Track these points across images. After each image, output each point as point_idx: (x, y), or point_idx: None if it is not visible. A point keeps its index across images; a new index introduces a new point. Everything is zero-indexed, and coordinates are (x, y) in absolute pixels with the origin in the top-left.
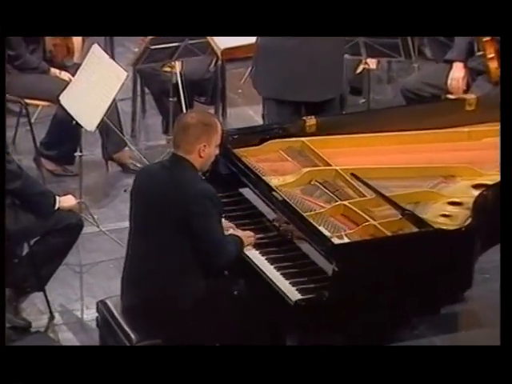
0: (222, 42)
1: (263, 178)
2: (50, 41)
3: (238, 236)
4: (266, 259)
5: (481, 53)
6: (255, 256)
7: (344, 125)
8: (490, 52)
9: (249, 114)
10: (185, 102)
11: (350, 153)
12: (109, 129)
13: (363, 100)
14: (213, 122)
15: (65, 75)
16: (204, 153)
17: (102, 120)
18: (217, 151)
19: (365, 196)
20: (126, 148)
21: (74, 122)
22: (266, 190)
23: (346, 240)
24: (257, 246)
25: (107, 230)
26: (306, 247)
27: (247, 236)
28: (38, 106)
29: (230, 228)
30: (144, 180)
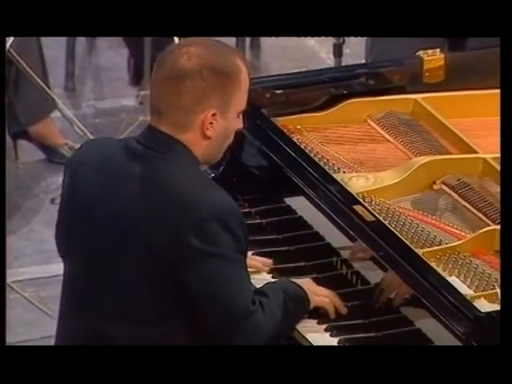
0: None
1: (335, 176)
2: None
3: (294, 283)
4: (337, 339)
5: None
6: (311, 330)
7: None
8: None
9: (308, 45)
10: None
11: None
12: (20, 77)
13: None
14: (233, 65)
15: None
16: (213, 128)
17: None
18: (240, 124)
19: None
20: (55, 114)
21: None
22: (341, 202)
23: None
24: (319, 315)
25: (15, 281)
26: (422, 321)
27: (323, 296)
28: None
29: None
30: (89, 178)
